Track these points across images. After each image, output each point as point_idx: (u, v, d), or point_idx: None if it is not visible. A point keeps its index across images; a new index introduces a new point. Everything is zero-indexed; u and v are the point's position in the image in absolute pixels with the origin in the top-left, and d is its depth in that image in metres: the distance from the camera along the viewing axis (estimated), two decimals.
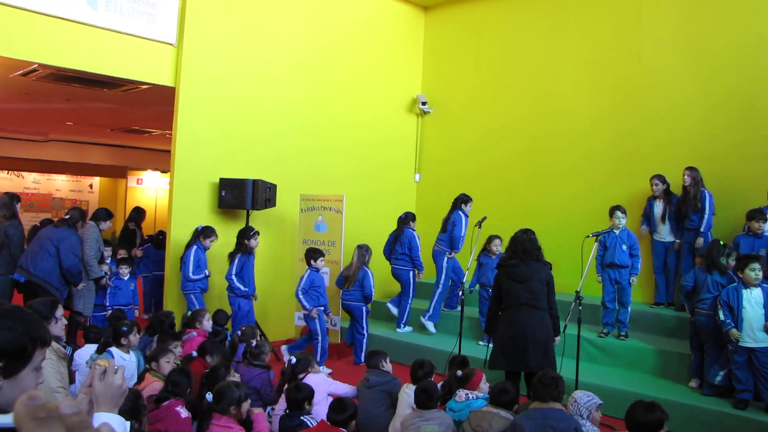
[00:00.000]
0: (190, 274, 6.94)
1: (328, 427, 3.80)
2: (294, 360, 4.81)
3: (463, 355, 5.42)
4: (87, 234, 6.79)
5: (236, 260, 7.04)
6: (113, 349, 4.84)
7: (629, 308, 6.70)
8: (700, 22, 7.42)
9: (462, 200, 7.85)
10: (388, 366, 4.92)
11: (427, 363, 4.68)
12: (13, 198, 7.00)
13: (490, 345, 5.44)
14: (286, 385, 4.60)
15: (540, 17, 8.94)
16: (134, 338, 5.00)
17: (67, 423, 0.61)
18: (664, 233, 7.25)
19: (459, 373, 4.60)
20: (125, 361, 4.86)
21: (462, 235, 7.63)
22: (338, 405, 3.89)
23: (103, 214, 7.18)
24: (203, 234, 7.11)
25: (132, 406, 3.14)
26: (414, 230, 7.83)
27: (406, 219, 7.85)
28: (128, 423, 1.81)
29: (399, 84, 10.10)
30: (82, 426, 0.62)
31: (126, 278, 7.50)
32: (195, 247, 7.04)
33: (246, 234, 7.12)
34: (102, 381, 1.78)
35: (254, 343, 5.26)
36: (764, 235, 6.16)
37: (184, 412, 3.84)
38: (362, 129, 9.45)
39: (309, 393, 4.27)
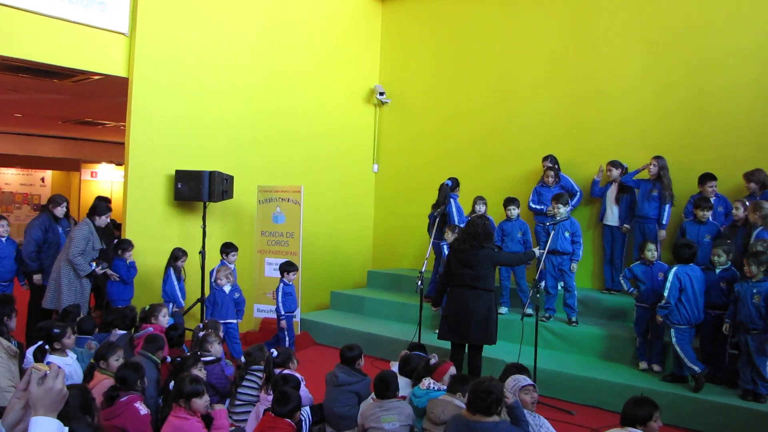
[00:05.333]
0: None
1: (273, 418, 3.81)
2: (275, 353, 4.79)
3: (421, 343, 5.69)
4: (76, 232, 6.31)
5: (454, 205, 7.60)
6: (51, 357, 4.48)
7: (575, 292, 6.82)
8: (653, 13, 7.60)
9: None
10: (361, 363, 4.91)
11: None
12: None
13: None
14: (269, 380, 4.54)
15: (496, 7, 9.03)
16: (69, 341, 4.66)
17: None
18: (613, 218, 7.45)
19: (432, 361, 4.66)
20: (68, 366, 4.53)
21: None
22: (282, 397, 3.87)
23: (103, 209, 6.62)
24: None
25: (82, 402, 3.10)
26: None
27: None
28: (67, 428, 1.81)
29: (356, 74, 10.09)
30: None
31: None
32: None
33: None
34: (41, 386, 1.77)
35: (201, 334, 5.17)
36: (709, 221, 6.37)
37: (143, 409, 3.81)
38: (320, 119, 9.43)
39: (296, 383, 4.28)
